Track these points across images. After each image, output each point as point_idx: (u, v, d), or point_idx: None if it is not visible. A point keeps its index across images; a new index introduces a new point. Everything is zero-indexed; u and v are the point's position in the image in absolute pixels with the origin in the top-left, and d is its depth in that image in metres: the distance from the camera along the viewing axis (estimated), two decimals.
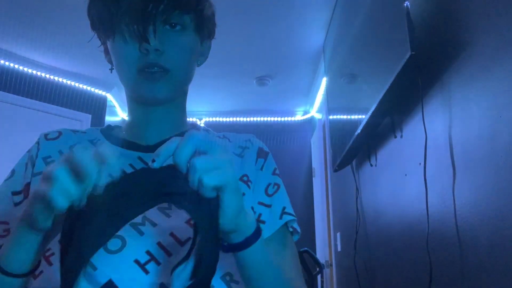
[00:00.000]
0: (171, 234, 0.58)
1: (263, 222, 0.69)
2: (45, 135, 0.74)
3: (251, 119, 4.37)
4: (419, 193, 1.35)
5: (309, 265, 2.94)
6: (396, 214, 1.66)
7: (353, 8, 2.05)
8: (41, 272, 0.56)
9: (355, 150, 2.07)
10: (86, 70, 3.48)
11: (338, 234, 2.92)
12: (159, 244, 0.57)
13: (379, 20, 1.62)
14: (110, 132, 0.75)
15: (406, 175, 1.54)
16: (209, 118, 4.37)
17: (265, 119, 4.37)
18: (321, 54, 3.11)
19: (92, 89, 3.70)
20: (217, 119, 4.37)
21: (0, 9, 2.69)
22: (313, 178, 3.99)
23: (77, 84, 3.61)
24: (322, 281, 3.22)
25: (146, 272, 0.55)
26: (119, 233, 0.55)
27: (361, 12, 1.87)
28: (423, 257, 1.27)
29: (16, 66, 3.26)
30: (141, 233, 0.57)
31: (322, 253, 3.52)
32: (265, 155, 0.76)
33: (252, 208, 0.69)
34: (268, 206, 0.70)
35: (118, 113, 4.25)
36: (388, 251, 1.75)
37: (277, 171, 0.76)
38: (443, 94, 1.25)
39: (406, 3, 1.27)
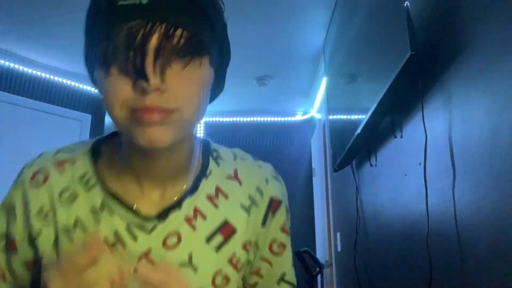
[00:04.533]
0: None
1: (261, 276, 0.69)
2: (29, 181, 0.60)
3: (251, 119, 4.37)
4: (419, 193, 1.35)
5: (309, 265, 2.94)
6: (396, 214, 1.66)
7: (353, 8, 2.04)
8: None
9: (355, 150, 2.07)
10: (86, 70, 3.48)
11: (338, 234, 2.92)
12: None
13: (379, 20, 1.62)
14: (102, 162, 0.62)
15: (406, 175, 1.54)
16: (209, 118, 4.37)
17: (265, 119, 4.37)
18: (321, 54, 3.11)
19: (92, 89, 3.69)
20: (217, 119, 4.37)
21: (0, 9, 2.69)
22: (313, 178, 3.99)
23: (77, 84, 3.61)
24: (322, 281, 3.22)
25: None
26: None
27: (361, 12, 1.87)
28: (423, 257, 1.27)
29: (16, 66, 3.26)
30: None
31: (322, 253, 3.52)
32: (276, 206, 0.68)
33: (251, 260, 0.67)
34: (270, 263, 0.70)
35: None
36: (388, 251, 1.75)
37: (286, 227, 0.70)
38: (443, 94, 1.25)
39: (406, 3, 1.27)
